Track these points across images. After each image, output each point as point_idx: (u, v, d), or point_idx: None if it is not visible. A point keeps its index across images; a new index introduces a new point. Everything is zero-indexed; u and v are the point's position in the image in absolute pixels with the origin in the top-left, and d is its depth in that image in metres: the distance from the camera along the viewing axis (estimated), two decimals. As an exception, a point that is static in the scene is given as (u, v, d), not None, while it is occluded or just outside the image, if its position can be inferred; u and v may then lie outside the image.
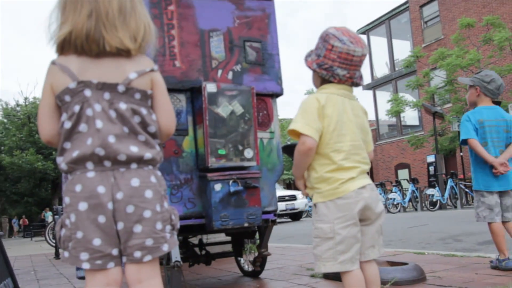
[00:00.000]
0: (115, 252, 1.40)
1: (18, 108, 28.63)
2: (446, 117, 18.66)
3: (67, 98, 1.40)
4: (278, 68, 3.61)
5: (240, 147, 3.22)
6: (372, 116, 27.88)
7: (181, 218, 2.86)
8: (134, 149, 1.42)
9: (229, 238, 4.22)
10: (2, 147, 27.70)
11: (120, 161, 1.40)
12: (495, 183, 3.38)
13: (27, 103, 28.20)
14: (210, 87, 3.16)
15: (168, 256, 3.01)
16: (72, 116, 1.40)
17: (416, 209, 16.33)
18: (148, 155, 1.44)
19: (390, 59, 27.86)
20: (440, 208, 14.80)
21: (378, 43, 28.57)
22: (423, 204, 15.87)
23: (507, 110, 15.74)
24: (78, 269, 2.62)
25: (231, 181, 3.14)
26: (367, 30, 28.58)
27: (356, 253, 1.91)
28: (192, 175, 3.26)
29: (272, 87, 3.57)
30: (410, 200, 16.49)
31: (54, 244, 9.16)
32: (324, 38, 1.99)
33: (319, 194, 1.95)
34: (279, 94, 3.63)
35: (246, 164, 3.24)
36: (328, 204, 1.92)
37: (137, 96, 1.46)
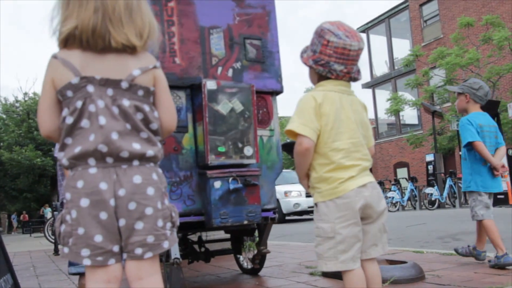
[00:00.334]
0: (116, 248, 1.40)
1: (17, 104, 28.62)
2: (445, 116, 18.69)
3: (69, 93, 1.39)
4: (278, 65, 3.61)
5: (240, 145, 3.22)
6: (371, 115, 27.88)
7: (181, 215, 2.85)
8: (136, 146, 1.41)
9: (228, 236, 4.22)
10: (1, 143, 27.69)
11: (123, 158, 1.39)
12: (492, 184, 3.55)
13: (26, 99, 28.18)
14: (210, 84, 3.16)
15: (167, 253, 3.01)
16: (74, 112, 1.38)
17: (414, 208, 16.35)
18: (150, 152, 1.44)
19: (390, 57, 27.86)
20: (439, 207, 14.82)
21: (378, 41, 28.58)
22: (422, 203, 15.89)
23: (506, 110, 15.78)
24: (70, 265, 2.61)
25: (230, 179, 3.14)
26: (367, 28, 28.57)
27: (357, 252, 1.90)
28: (192, 172, 3.26)
29: (272, 84, 3.56)
30: (409, 199, 16.53)
31: (53, 241, 9.16)
32: (319, 33, 1.96)
33: (319, 194, 1.95)
34: (279, 91, 3.63)
35: (245, 161, 3.23)
36: (328, 203, 1.91)
37: (140, 92, 1.45)
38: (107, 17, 1.40)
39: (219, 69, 3.37)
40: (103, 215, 1.36)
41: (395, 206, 16.09)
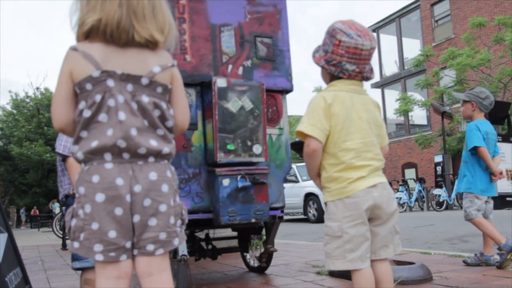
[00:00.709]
0: (128, 244, 1.39)
1: (27, 100, 28.84)
2: (455, 117, 18.54)
3: (88, 86, 1.38)
4: (289, 64, 3.61)
5: (249, 143, 3.22)
6: (380, 115, 27.69)
7: (189, 212, 2.86)
8: (153, 143, 1.41)
9: (235, 234, 4.23)
10: (12, 138, 27.93)
11: (140, 154, 1.39)
12: (490, 189, 3.77)
13: (36, 94, 28.39)
14: (220, 82, 3.16)
15: (175, 250, 3.02)
16: (92, 105, 1.37)
17: (422, 209, 16.27)
18: (166, 149, 1.44)
19: (400, 57, 27.71)
20: (447, 208, 14.73)
21: (388, 41, 28.43)
22: (430, 204, 15.81)
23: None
24: (74, 260, 2.62)
25: (239, 177, 3.14)
26: (377, 28, 28.42)
27: (366, 252, 1.89)
28: (201, 170, 3.27)
29: (282, 83, 3.56)
30: (416, 200, 16.44)
31: (61, 235, 9.23)
32: (331, 33, 1.95)
33: (329, 193, 1.95)
34: (289, 90, 3.62)
35: (254, 159, 3.24)
36: (337, 203, 1.91)
37: (159, 90, 1.45)
38: (131, 11, 1.40)
39: (230, 67, 3.37)
40: (119, 211, 1.36)
41: (403, 207, 16.00)
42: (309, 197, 12.65)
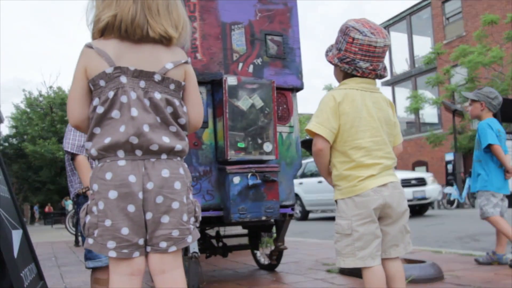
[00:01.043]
0: (141, 241, 1.40)
1: (41, 98, 29.13)
2: (466, 115, 18.35)
3: (102, 82, 1.39)
4: (299, 62, 3.61)
5: (260, 141, 3.23)
6: (390, 113, 27.52)
7: (200, 209, 2.88)
8: (166, 139, 1.42)
9: (246, 231, 4.24)
10: (25, 136, 28.27)
11: (152, 151, 1.40)
12: (505, 186, 3.77)
13: (49, 93, 28.66)
14: (231, 80, 3.17)
15: (186, 247, 3.04)
16: (105, 102, 1.38)
17: (433, 208, 16.16)
18: (178, 146, 1.45)
19: (410, 55, 27.51)
20: (458, 207, 14.60)
21: (398, 39, 28.22)
22: (441, 203, 15.68)
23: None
24: (87, 259, 2.63)
25: (249, 174, 3.15)
26: (387, 26, 28.24)
27: (376, 249, 1.89)
28: (211, 167, 3.28)
29: (292, 81, 3.56)
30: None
31: (74, 232, 9.33)
32: (344, 31, 1.95)
33: (339, 191, 1.96)
34: (299, 88, 3.62)
35: (265, 157, 3.24)
36: (347, 201, 1.92)
37: (172, 86, 1.45)
38: (146, 7, 1.41)
39: (240, 65, 3.38)
40: (131, 208, 1.36)
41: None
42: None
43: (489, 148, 3.72)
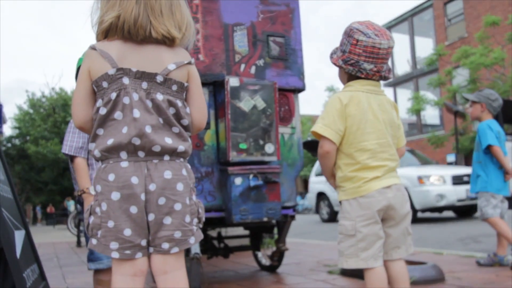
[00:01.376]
0: (143, 242, 1.41)
1: (43, 99, 29.18)
2: (467, 117, 18.34)
3: (105, 84, 1.40)
4: (301, 63, 3.61)
5: (261, 142, 3.24)
6: (392, 114, 27.48)
7: (202, 210, 2.89)
8: (168, 140, 1.42)
9: (247, 232, 4.25)
10: (28, 137, 28.33)
11: (154, 152, 1.40)
12: (504, 187, 3.77)
13: (52, 94, 28.71)
14: (233, 81, 3.18)
15: (188, 248, 3.05)
16: (108, 103, 1.39)
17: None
18: (181, 147, 1.45)
19: (412, 56, 27.50)
20: (459, 208, 14.53)
21: (400, 40, 28.19)
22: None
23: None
24: (89, 260, 2.63)
25: (251, 176, 3.16)
26: (389, 27, 28.24)
27: (379, 250, 1.90)
28: (213, 168, 3.29)
29: (294, 82, 3.57)
30: None
31: (75, 233, 9.34)
32: (349, 33, 1.96)
33: (343, 192, 1.97)
34: (301, 89, 3.63)
35: (266, 158, 3.25)
36: (351, 202, 1.93)
37: (174, 87, 1.46)
38: (149, 8, 1.42)
39: (242, 66, 3.39)
40: (133, 209, 1.37)
41: None
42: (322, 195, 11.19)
43: (489, 149, 3.73)
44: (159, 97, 1.42)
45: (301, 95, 3.85)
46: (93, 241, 1.42)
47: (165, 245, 1.42)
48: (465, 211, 9.85)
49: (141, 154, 1.40)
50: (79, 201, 2.87)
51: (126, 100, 1.39)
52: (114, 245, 1.38)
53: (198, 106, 1.54)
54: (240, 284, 3.58)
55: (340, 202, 2.01)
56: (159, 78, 1.43)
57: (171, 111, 1.45)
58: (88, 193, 2.39)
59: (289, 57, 3.55)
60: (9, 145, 30.26)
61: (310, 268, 4.13)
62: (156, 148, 1.40)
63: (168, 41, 1.46)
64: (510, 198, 4.05)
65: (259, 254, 4.29)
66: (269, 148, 3.26)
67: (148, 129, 1.39)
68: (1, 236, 2.07)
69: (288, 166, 3.55)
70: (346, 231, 1.93)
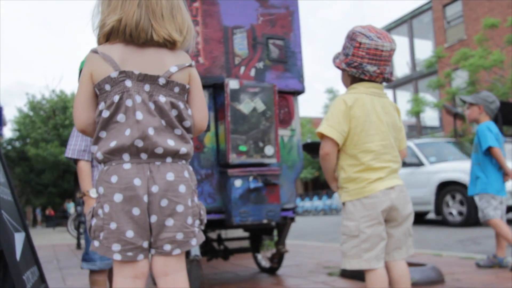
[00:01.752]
0: (145, 244, 1.41)
1: (43, 102, 29.17)
2: (467, 119, 18.36)
3: (107, 87, 1.40)
4: (300, 66, 3.63)
5: (261, 144, 3.25)
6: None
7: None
8: (171, 142, 1.43)
9: (247, 234, 4.25)
10: (28, 139, 28.31)
11: (157, 154, 1.41)
12: (503, 189, 3.79)
13: (52, 97, 28.71)
14: (233, 84, 3.19)
15: (187, 250, 3.06)
16: (110, 106, 1.40)
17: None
18: (183, 149, 1.45)
19: (411, 58, 27.54)
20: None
21: (399, 42, 28.15)
22: (442, 206, 15.61)
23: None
24: (83, 260, 2.65)
25: (251, 178, 3.17)
26: (389, 29, 28.28)
27: (381, 251, 1.92)
28: (213, 171, 3.30)
29: (294, 84, 3.58)
30: None
31: (75, 235, 9.34)
32: (351, 37, 1.99)
33: (347, 193, 1.99)
34: (300, 91, 3.64)
35: (266, 161, 3.26)
36: (355, 202, 1.94)
37: (176, 89, 1.46)
38: (150, 11, 1.43)
39: (242, 68, 3.40)
40: (136, 211, 1.38)
41: None
42: (446, 187, 8.31)
43: (488, 151, 3.74)
44: (162, 99, 1.43)
45: (300, 97, 3.86)
46: (95, 243, 1.42)
47: (167, 247, 1.43)
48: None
49: (143, 156, 1.41)
50: (80, 203, 2.88)
51: (129, 102, 1.39)
52: (116, 247, 1.39)
53: (199, 107, 1.55)
54: (240, 286, 3.59)
55: (343, 203, 2.02)
56: (161, 81, 1.44)
57: (174, 113, 1.45)
58: (89, 196, 2.40)
59: (288, 60, 3.56)
60: (9, 147, 30.24)
61: (310, 270, 4.13)
62: (159, 150, 1.41)
63: (169, 44, 1.47)
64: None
65: (259, 256, 4.30)
66: (269, 150, 3.26)
67: (151, 131, 1.40)
68: (1, 239, 2.07)
69: (288, 168, 3.56)
70: (349, 232, 1.94)
